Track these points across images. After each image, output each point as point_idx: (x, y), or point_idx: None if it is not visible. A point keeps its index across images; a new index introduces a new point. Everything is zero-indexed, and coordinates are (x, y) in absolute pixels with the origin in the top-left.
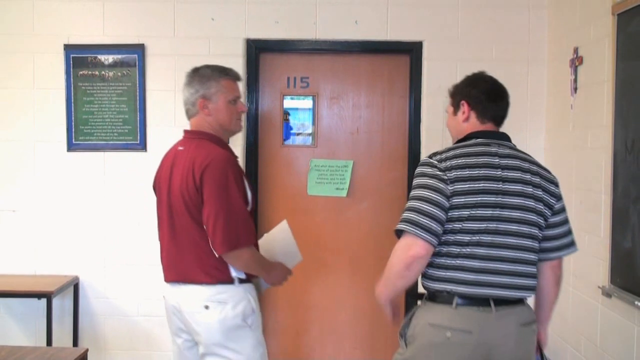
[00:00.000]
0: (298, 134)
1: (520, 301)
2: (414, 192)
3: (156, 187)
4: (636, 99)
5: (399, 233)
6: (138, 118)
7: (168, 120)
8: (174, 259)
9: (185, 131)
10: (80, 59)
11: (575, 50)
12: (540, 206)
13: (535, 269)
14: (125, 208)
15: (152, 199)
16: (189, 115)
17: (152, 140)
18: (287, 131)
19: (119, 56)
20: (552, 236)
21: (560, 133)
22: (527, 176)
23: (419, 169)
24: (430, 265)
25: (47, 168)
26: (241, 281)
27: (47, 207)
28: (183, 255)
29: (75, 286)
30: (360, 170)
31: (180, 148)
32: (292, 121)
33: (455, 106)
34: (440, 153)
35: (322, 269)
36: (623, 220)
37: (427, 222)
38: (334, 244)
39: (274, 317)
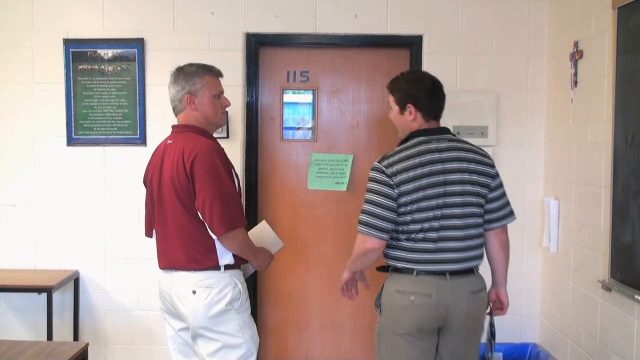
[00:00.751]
0: (298, 129)
1: (471, 271)
2: (367, 196)
3: (146, 181)
4: (636, 93)
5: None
6: (138, 112)
7: (168, 114)
8: (164, 246)
9: (173, 126)
10: (79, 54)
11: (576, 44)
12: (477, 188)
13: (480, 241)
14: (125, 202)
15: None
16: (177, 111)
17: (152, 134)
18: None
19: (119, 50)
20: (493, 209)
21: (560, 127)
22: (464, 164)
23: (371, 174)
24: (394, 248)
25: (47, 162)
26: (227, 267)
27: (47, 202)
28: (172, 242)
29: (75, 281)
30: (360, 165)
31: (169, 142)
32: (292, 116)
33: (401, 107)
34: (388, 157)
35: (322, 263)
36: (623, 214)
37: (378, 222)
38: (334, 238)
39: (274, 311)
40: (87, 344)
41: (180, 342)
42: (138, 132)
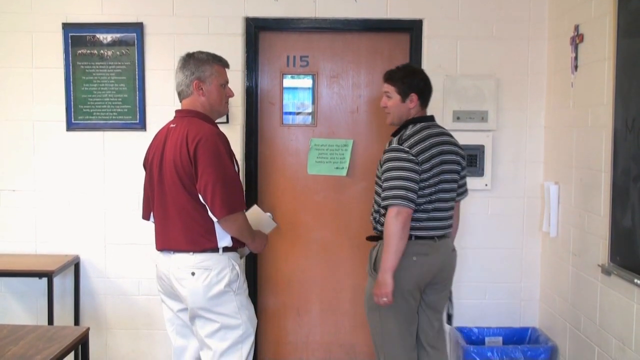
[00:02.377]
0: (298, 113)
1: (446, 235)
2: (395, 173)
3: (146, 164)
4: (637, 77)
5: (386, 206)
6: (137, 97)
7: (167, 99)
8: (163, 228)
9: (177, 110)
10: (78, 38)
11: (576, 28)
12: (458, 167)
13: (453, 211)
14: (125, 187)
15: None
16: (183, 96)
17: (152, 119)
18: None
19: (118, 35)
20: (460, 186)
21: (561, 111)
22: (453, 147)
23: (394, 154)
24: None
25: (46, 148)
26: (225, 250)
27: (47, 187)
28: (172, 225)
29: (76, 265)
30: (360, 150)
31: (172, 125)
32: (292, 101)
33: (403, 96)
34: (407, 139)
35: (322, 248)
36: (623, 198)
37: (412, 195)
38: (334, 223)
39: (274, 296)
40: (88, 329)
41: (179, 324)
42: (138, 117)
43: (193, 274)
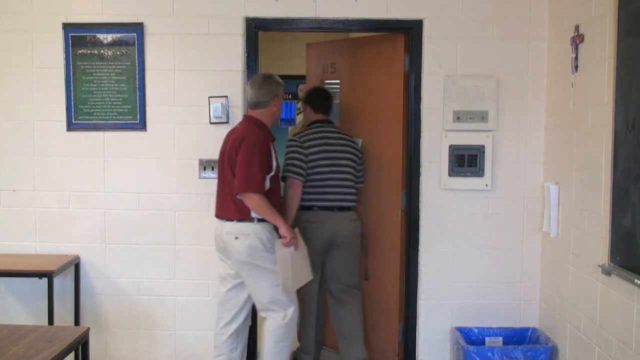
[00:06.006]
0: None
1: (349, 208)
2: (290, 156)
3: (219, 155)
4: (637, 77)
5: (284, 179)
6: (137, 97)
7: (167, 99)
8: (220, 202)
9: (245, 115)
10: (79, 38)
11: (576, 28)
12: (351, 161)
13: (353, 191)
14: (126, 188)
15: (152, 178)
16: (260, 106)
17: (152, 119)
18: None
19: (118, 35)
20: (358, 175)
21: (561, 111)
22: (342, 142)
23: (290, 144)
24: (303, 193)
25: (46, 148)
26: (259, 220)
27: (48, 187)
28: (225, 199)
29: (76, 265)
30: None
31: (236, 127)
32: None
33: (304, 108)
34: (301, 136)
35: None
36: (623, 198)
37: (299, 170)
38: None
39: None
40: (88, 329)
41: (228, 274)
42: (138, 117)
43: (237, 238)
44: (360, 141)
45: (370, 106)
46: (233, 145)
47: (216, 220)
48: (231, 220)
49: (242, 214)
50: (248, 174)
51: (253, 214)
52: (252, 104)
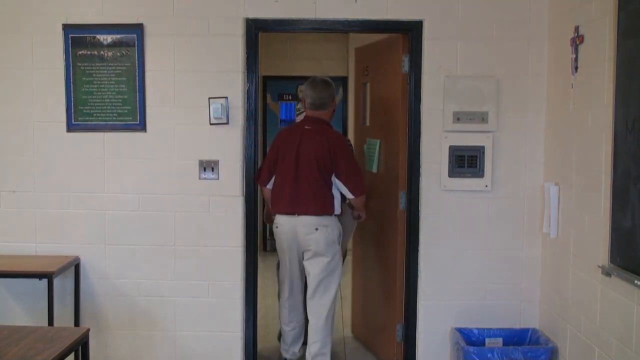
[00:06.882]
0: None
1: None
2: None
3: (280, 152)
4: (637, 78)
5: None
6: (137, 98)
7: (167, 100)
8: (294, 198)
9: (308, 117)
10: (79, 39)
11: (576, 29)
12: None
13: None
14: (126, 188)
15: (152, 179)
16: (321, 107)
17: (152, 120)
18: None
19: (118, 36)
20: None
21: (561, 112)
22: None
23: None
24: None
25: (46, 148)
26: (336, 215)
27: (47, 188)
28: (305, 196)
29: (76, 266)
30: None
31: (307, 127)
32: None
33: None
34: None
35: None
36: (623, 199)
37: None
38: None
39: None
40: (88, 330)
41: (293, 259)
42: (138, 117)
43: (317, 229)
44: (377, 142)
45: (379, 107)
46: (324, 147)
47: (283, 216)
48: (312, 214)
49: (322, 209)
50: (359, 179)
51: (335, 210)
52: (316, 105)
